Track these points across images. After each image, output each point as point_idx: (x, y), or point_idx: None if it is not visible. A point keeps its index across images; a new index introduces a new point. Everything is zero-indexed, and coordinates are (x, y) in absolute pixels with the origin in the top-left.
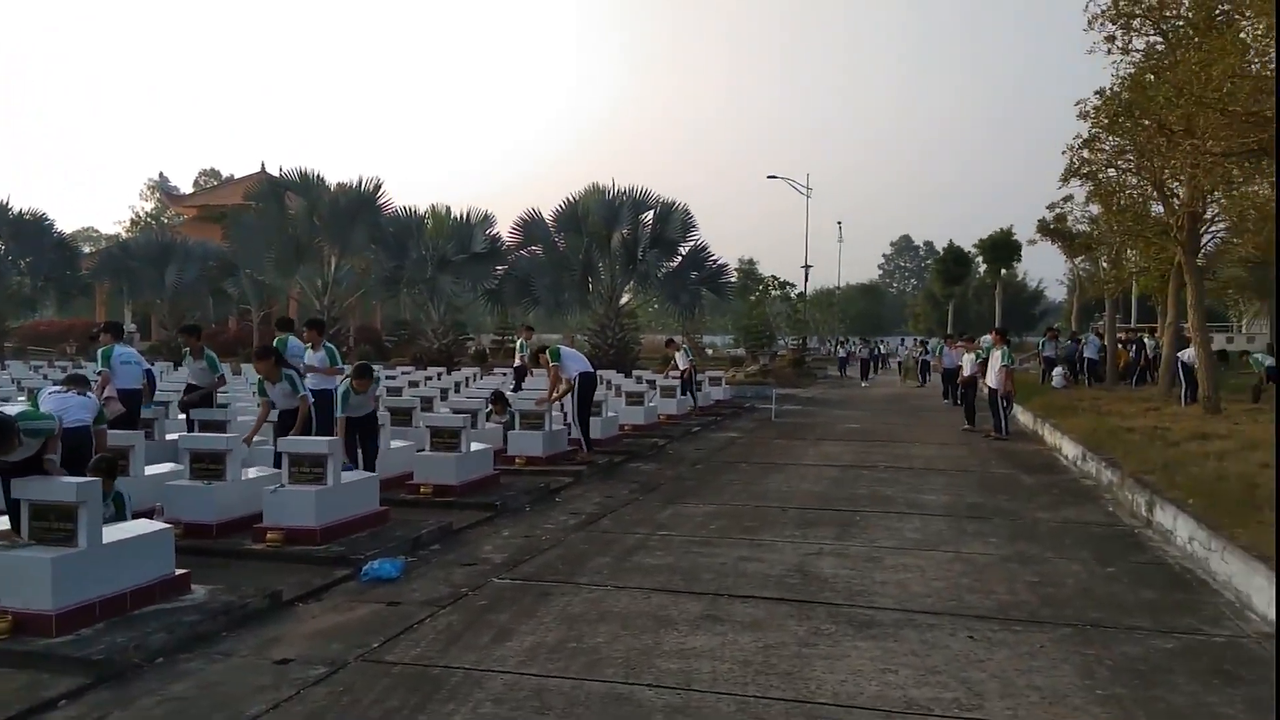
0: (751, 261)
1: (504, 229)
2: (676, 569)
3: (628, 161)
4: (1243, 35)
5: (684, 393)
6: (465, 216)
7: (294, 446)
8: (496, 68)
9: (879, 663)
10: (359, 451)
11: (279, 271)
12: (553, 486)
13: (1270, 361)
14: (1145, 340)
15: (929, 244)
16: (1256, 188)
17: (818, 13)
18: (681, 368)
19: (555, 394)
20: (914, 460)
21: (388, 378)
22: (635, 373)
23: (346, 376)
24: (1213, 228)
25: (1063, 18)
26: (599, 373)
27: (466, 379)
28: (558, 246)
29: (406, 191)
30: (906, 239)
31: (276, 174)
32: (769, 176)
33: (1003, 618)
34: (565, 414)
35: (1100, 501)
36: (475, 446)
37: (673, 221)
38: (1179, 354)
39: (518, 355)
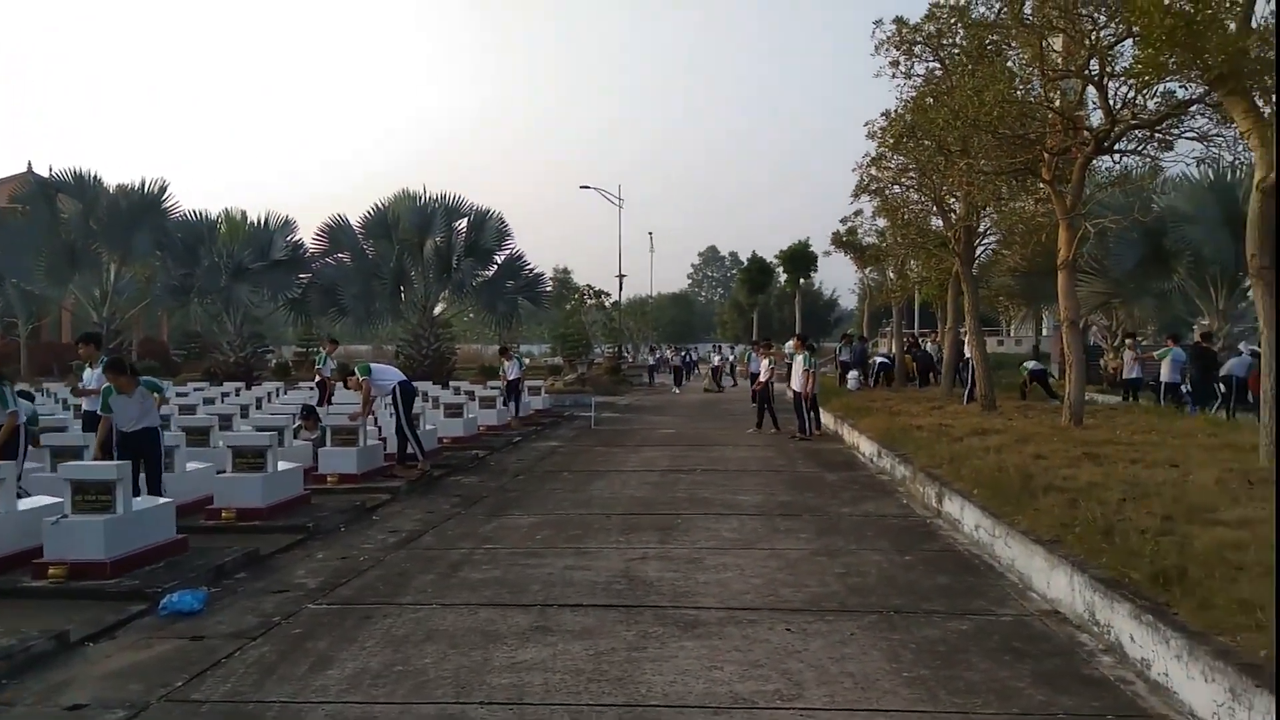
0: (566, 271)
1: (308, 236)
2: (504, 582)
3: (442, 171)
4: (1010, 65)
5: (508, 402)
6: (264, 221)
7: (79, 473)
8: (301, 72)
9: (705, 661)
10: (139, 475)
11: (50, 280)
12: (369, 505)
13: (1034, 365)
14: (927, 346)
15: (734, 254)
16: (1022, 204)
17: (632, 31)
18: (511, 377)
19: (368, 409)
20: (728, 462)
21: (179, 394)
22: (453, 383)
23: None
24: (985, 240)
25: (856, 43)
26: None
27: (269, 394)
28: (367, 254)
29: (205, 198)
30: (713, 249)
31: (46, 174)
32: (582, 187)
33: (816, 609)
34: (379, 429)
35: (896, 495)
36: (283, 466)
37: (488, 229)
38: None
39: (319, 369)
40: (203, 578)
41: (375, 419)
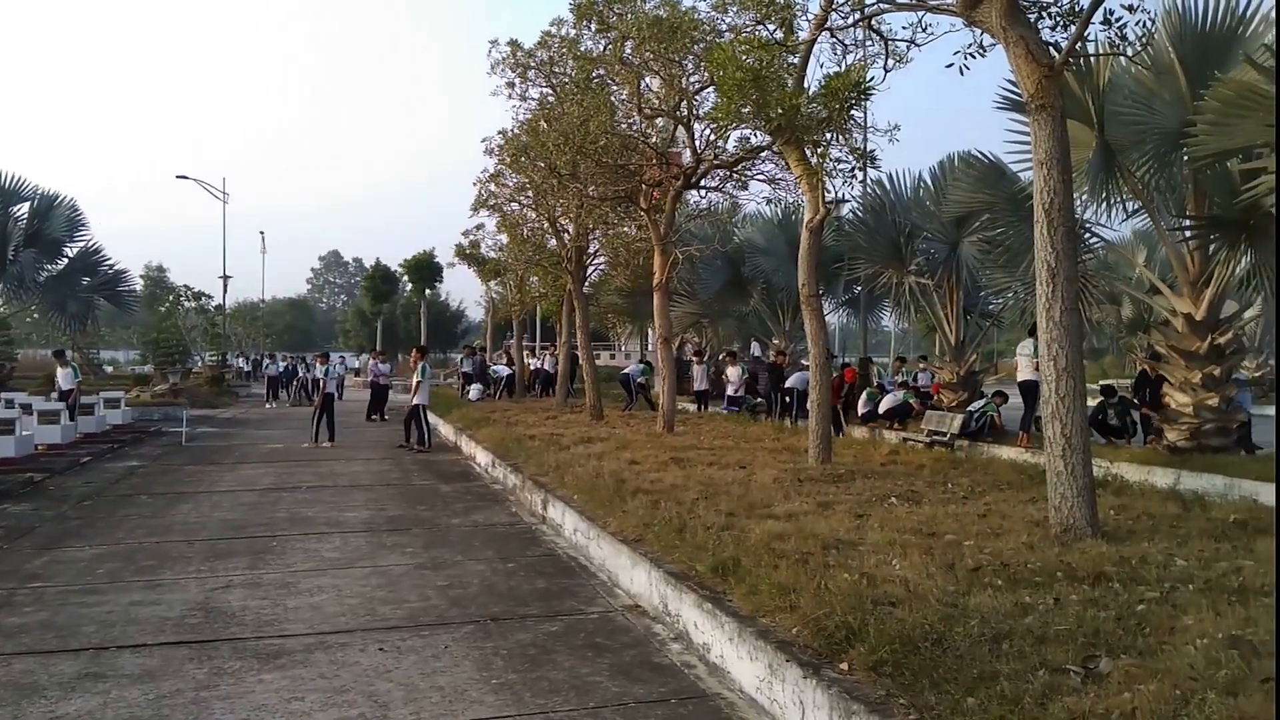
0: (162, 269)
1: None
2: (50, 625)
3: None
4: (613, 99)
5: (73, 417)
6: None
7: None
8: None
9: (286, 693)
10: None
11: None
12: None
13: (641, 378)
14: (545, 360)
15: (359, 260)
16: (627, 229)
17: (244, 19)
18: (66, 388)
19: None
20: (339, 478)
21: None
22: (5, 395)
23: None
24: (596, 261)
25: (480, 58)
26: None
27: None
28: None
29: None
30: (336, 254)
31: None
32: (179, 177)
33: (413, 625)
34: None
35: (506, 504)
36: None
37: (56, 218)
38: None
39: None
40: None
41: None
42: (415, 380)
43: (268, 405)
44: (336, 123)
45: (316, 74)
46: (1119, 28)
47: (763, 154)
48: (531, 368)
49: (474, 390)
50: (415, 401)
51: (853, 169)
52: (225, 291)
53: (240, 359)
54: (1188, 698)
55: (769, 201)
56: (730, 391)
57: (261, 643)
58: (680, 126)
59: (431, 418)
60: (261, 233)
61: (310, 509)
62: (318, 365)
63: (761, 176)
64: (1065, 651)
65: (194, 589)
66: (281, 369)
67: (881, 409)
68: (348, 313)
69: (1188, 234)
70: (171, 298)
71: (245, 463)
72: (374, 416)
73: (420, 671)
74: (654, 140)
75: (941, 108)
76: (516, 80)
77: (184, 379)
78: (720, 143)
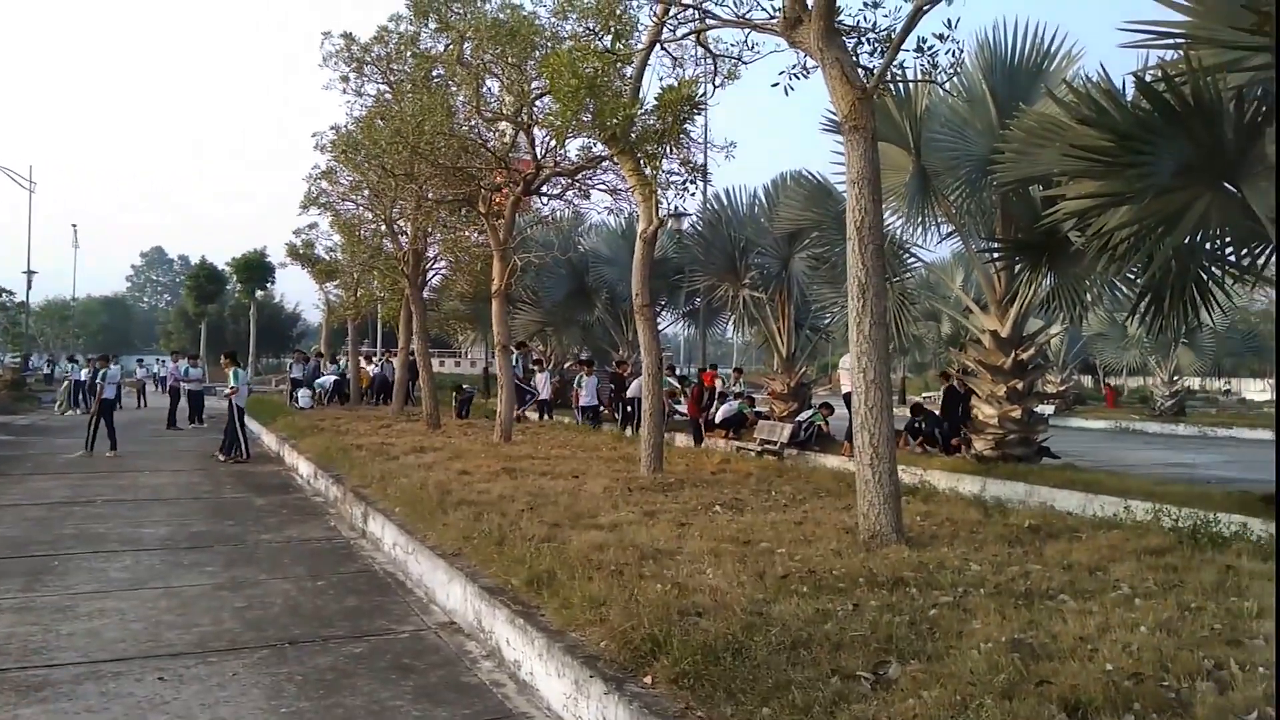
0: None
1: None
2: None
3: None
4: (453, 101)
5: None
6: None
7: None
8: None
9: None
10: None
11: None
12: None
13: (467, 388)
14: (383, 365)
15: (185, 258)
16: (467, 233)
17: (63, 6)
18: None
19: None
20: (141, 490)
21: None
22: None
23: None
24: (436, 265)
25: (299, 52)
26: None
27: None
28: None
29: None
30: (159, 251)
31: None
32: None
33: (201, 651)
34: None
35: (325, 517)
36: None
37: None
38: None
39: None
40: None
41: None
42: (230, 387)
43: (71, 411)
44: (161, 111)
45: (140, 58)
46: (930, 55)
47: (604, 164)
48: (371, 373)
49: (303, 397)
50: (231, 409)
51: (684, 181)
52: (30, 287)
53: (46, 362)
54: (967, 703)
55: (612, 212)
56: (583, 402)
57: (25, 674)
58: (521, 132)
59: (255, 426)
60: (74, 225)
61: (103, 525)
62: (97, 368)
63: (603, 186)
64: (858, 658)
65: None
66: (82, 374)
67: (718, 419)
68: (170, 313)
69: (995, 256)
70: None
71: (39, 474)
72: (193, 422)
73: (201, 702)
74: (494, 144)
75: (783, 126)
76: (351, 74)
77: None
78: (561, 150)
